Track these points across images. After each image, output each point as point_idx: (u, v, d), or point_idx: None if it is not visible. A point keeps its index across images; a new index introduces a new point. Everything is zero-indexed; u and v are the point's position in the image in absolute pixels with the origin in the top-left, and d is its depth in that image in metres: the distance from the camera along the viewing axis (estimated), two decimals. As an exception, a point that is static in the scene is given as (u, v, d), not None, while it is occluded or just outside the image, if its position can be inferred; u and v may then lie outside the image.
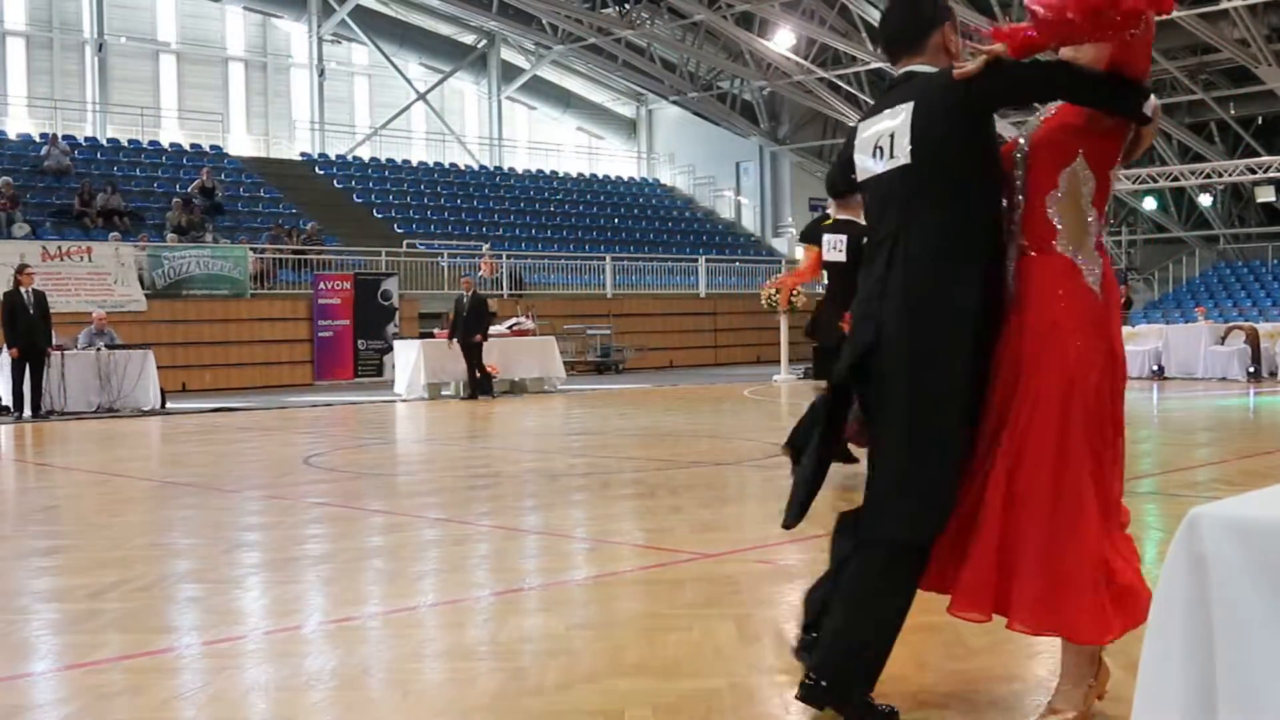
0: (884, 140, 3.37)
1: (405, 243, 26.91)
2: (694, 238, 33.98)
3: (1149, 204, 33.12)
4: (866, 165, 3.46)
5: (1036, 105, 3.57)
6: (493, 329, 18.96)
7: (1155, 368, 20.95)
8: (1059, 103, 3.35)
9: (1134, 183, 29.57)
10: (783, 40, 30.15)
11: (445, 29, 35.09)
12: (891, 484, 3.30)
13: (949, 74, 3.25)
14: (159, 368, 17.48)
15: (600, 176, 36.80)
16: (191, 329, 21.45)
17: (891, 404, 3.30)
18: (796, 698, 3.37)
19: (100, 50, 29.70)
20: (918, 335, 3.24)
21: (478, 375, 18.11)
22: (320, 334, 22.82)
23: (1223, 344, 20.61)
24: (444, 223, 29.78)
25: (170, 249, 22.14)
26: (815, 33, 29.25)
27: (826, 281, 8.33)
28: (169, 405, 17.16)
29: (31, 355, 15.82)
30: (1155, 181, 29.86)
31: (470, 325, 17.90)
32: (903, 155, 3.30)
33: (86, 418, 15.99)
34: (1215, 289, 31.41)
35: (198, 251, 22.32)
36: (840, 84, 31.64)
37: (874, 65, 29.51)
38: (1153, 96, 3.21)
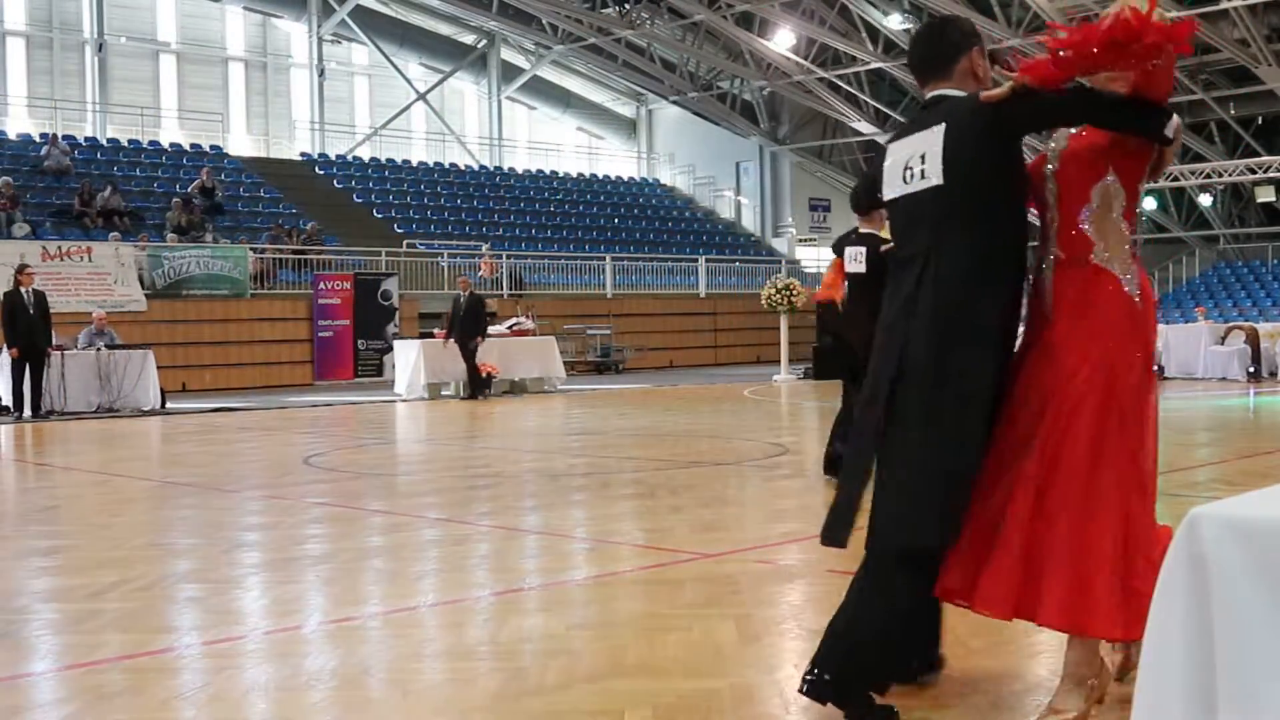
0: (914, 161, 3.43)
1: (405, 243, 26.91)
2: (694, 238, 33.98)
3: (1149, 204, 33.11)
4: (896, 185, 3.52)
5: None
6: (492, 329, 18.95)
7: (1155, 368, 20.92)
8: None
9: (1134, 183, 29.52)
10: (783, 40, 30.15)
11: (445, 29, 35.08)
12: (906, 493, 3.34)
13: (978, 98, 3.32)
14: (159, 368, 17.47)
15: (600, 176, 36.80)
16: (191, 329, 21.44)
17: (910, 415, 3.35)
18: (799, 690, 3.39)
19: (100, 50, 29.69)
20: (943, 355, 3.31)
21: (480, 376, 18.11)
22: (320, 334, 22.82)
23: (1223, 344, 20.61)
24: (444, 223, 29.78)
25: (170, 249, 22.14)
26: (815, 33, 29.26)
27: (847, 290, 8.51)
28: (169, 405, 17.16)
29: (31, 355, 15.82)
30: (1155, 181, 29.82)
31: (467, 325, 17.87)
32: (935, 176, 3.36)
33: (86, 418, 15.99)
34: (1215, 289, 31.42)
35: (198, 251, 22.32)
36: (840, 84, 31.64)
37: (874, 65, 29.53)
38: (1175, 116, 3.28)
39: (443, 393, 18.84)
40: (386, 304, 23.38)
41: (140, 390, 16.91)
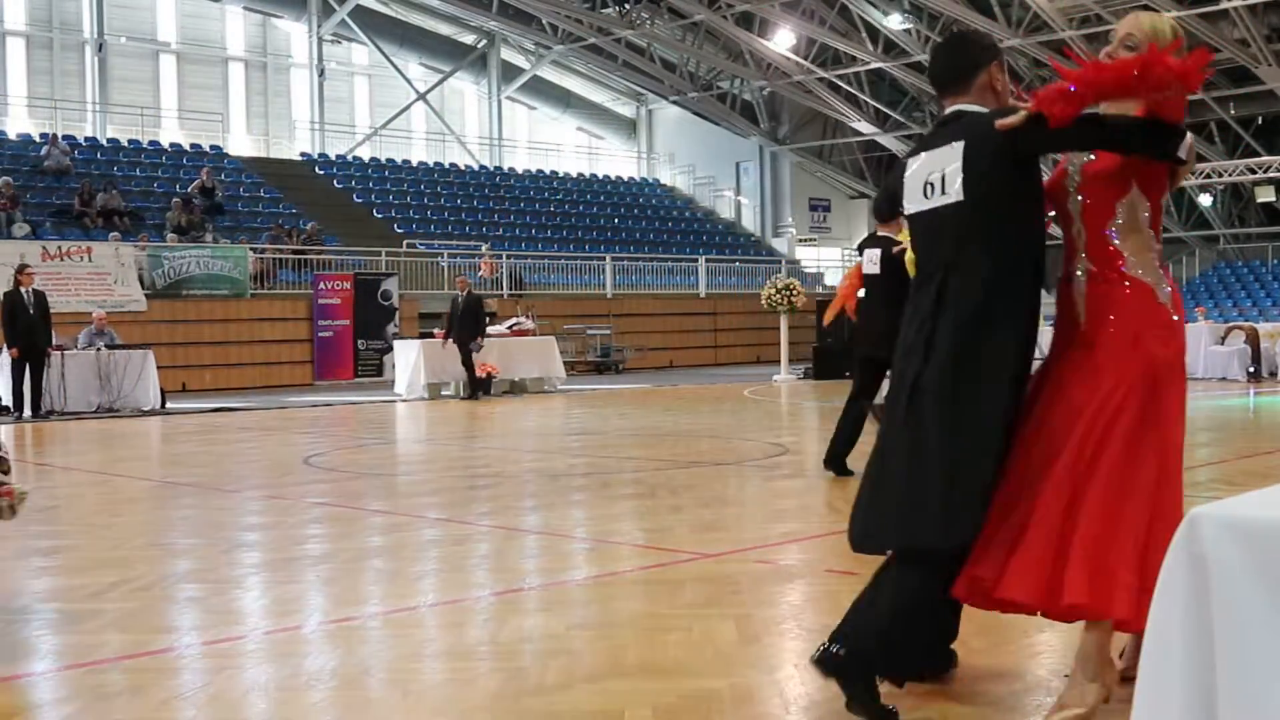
0: (935, 176, 3.46)
1: (405, 243, 26.91)
2: (694, 238, 33.97)
3: (1149, 204, 33.07)
4: (916, 199, 3.55)
5: None
6: (492, 329, 18.94)
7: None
8: None
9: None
10: (783, 40, 30.15)
11: (445, 29, 35.08)
12: (929, 492, 3.37)
13: (995, 121, 3.35)
14: (159, 368, 17.47)
15: (600, 176, 36.79)
16: (191, 329, 21.44)
17: (927, 422, 3.38)
18: (810, 660, 3.44)
19: (100, 50, 29.69)
20: (963, 364, 3.36)
21: (478, 377, 18.10)
22: (320, 334, 22.81)
23: (1223, 344, 20.62)
24: (444, 223, 29.78)
25: (170, 249, 22.14)
26: (815, 33, 29.26)
27: (864, 292, 8.62)
28: (169, 405, 17.16)
29: (31, 355, 15.81)
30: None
31: (465, 325, 17.85)
32: (955, 193, 3.40)
33: (86, 418, 15.99)
34: (1215, 289, 31.43)
35: (198, 251, 22.32)
36: (840, 84, 31.64)
37: (874, 65, 29.54)
38: (1189, 135, 3.34)
39: (443, 393, 18.84)
40: (386, 304, 23.37)
41: (140, 390, 16.91)
